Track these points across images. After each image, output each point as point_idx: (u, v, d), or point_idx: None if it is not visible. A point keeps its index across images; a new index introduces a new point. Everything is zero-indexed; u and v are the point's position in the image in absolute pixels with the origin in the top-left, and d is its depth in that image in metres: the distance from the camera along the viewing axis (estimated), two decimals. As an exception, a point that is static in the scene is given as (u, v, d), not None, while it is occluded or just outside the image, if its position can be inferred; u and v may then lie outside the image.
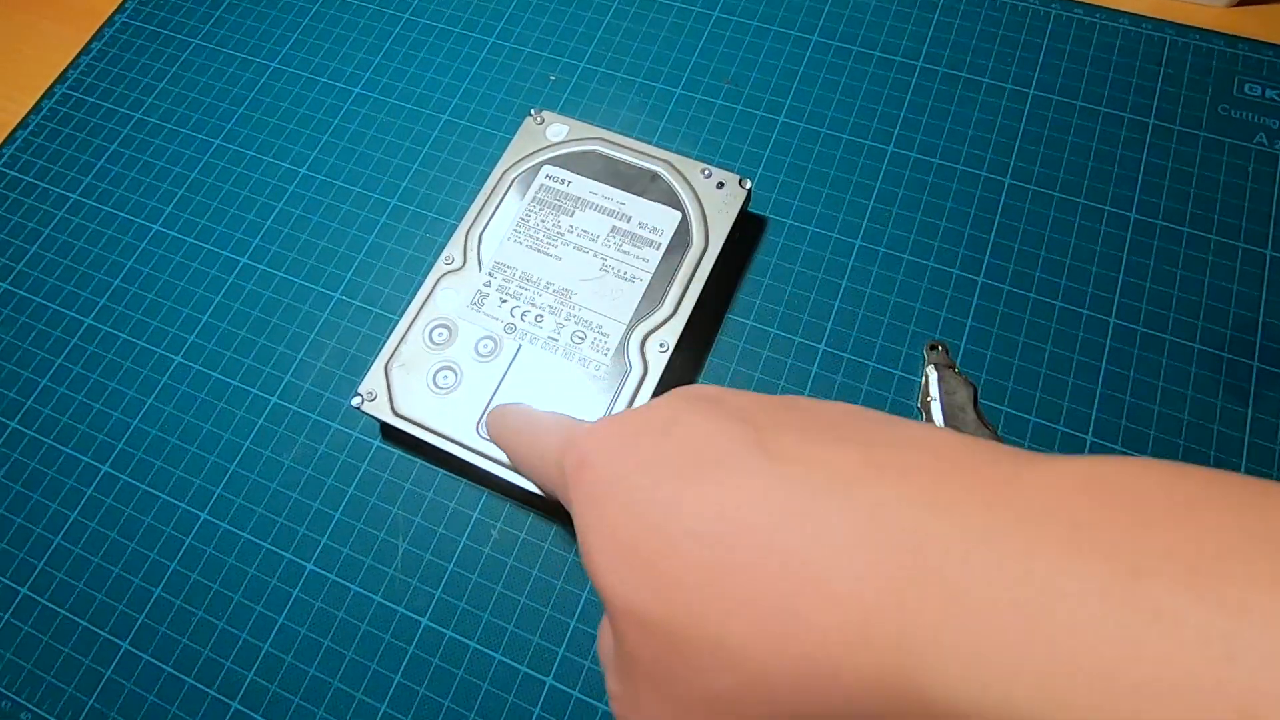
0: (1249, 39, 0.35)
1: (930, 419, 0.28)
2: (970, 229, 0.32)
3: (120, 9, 0.41)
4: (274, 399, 0.31)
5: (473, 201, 0.31)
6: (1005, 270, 0.31)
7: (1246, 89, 0.34)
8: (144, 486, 0.30)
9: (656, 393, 0.27)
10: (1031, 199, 0.32)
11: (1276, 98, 0.33)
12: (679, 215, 0.30)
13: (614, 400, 0.27)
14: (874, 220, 0.32)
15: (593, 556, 0.14)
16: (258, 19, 0.40)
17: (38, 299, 0.34)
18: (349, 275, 0.33)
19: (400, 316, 0.30)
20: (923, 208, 0.32)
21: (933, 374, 0.29)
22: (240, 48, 0.39)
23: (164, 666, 0.27)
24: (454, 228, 0.33)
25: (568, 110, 0.36)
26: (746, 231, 0.32)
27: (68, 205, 0.36)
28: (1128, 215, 0.32)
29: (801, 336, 0.30)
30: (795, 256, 0.32)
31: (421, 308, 0.29)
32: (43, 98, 0.39)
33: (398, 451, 0.30)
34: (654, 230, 0.30)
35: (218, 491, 0.30)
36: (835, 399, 0.29)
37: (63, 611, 0.28)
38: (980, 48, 0.36)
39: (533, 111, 0.32)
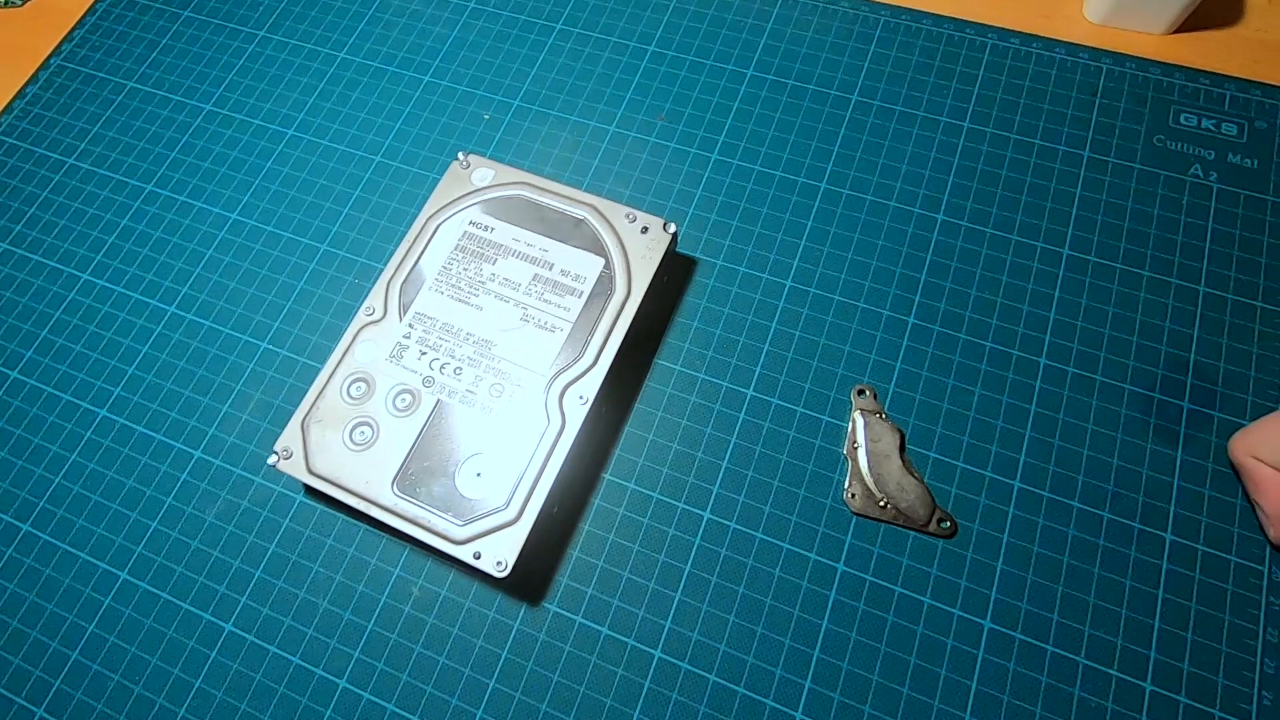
0: (1185, 67, 0.34)
1: (856, 465, 0.28)
2: (901, 268, 0.31)
3: (56, 51, 0.41)
4: (198, 453, 0.31)
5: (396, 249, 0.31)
6: (936, 310, 0.30)
7: (1182, 119, 0.33)
8: (64, 545, 0.29)
9: (575, 445, 0.27)
10: (964, 236, 0.32)
11: (1212, 128, 0.33)
12: (602, 261, 0.29)
13: (532, 455, 0.27)
14: (805, 260, 0.32)
15: None
16: (194, 60, 0.40)
17: (-36, 352, 0.33)
18: (276, 324, 0.33)
19: (321, 368, 0.30)
20: (854, 246, 0.32)
21: (859, 420, 0.28)
22: (175, 89, 0.39)
23: (79, 733, 0.27)
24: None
25: (501, 149, 0.36)
26: (675, 273, 0.32)
27: (-3, 254, 0.35)
28: (1060, 251, 0.31)
29: (730, 382, 0.30)
30: (725, 299, 0.32)
31: (340, 361, 0.29)
32: (-24, 144, 0.38)
33: (320, 506, 0.29)
34: (576, 278, 0.29)
35: (138, 550, 0.29)
36: (761, 446, 0.29)
37: (-21, 677, 0.28)
38: (916, 80, 0.35)
39: (459, 156, 0.32)
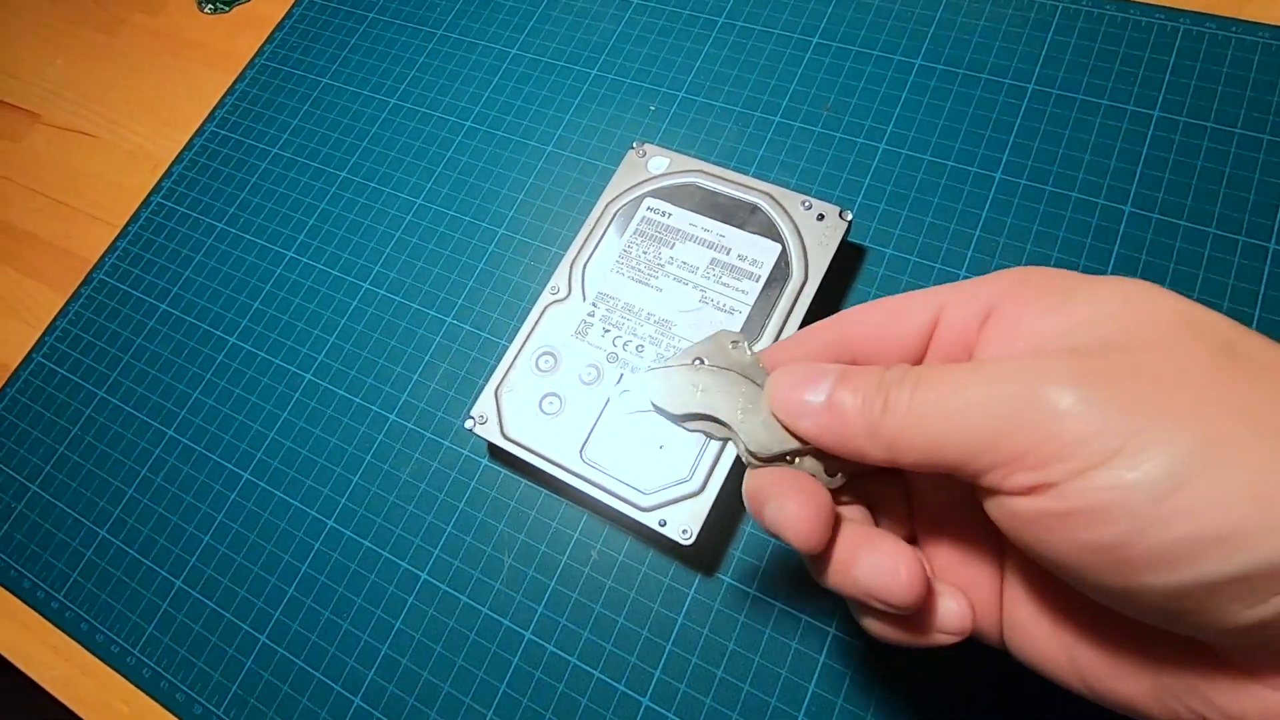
0: None
1: None
2: (1085, 260, 0.30)
3: (259, 52, 0.45)
4: (392, 417, 0.33)
5: (577, 232, 0.32)
6: (1124, 304, 0.29)
7: None
8: (279, 493, 0.33)
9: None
10: (1154, 228, 0.31)
11: None
12: (779, 248, 0.30)
13: (712, 431, 0.28)
14: (980, 250, 0.32)
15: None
16: (379, 58, 0.43)
17: (190, 319, 0.38)
18: (460, 301, 0.35)
19: (509, 343, 0.32)
20: (1033, 238, 0.31)
21: None
22: (363, 85, 0.42)
23: (295, 660, 0.30)
24: (558, 256, 0.35)
25: (667, 139, 0.37)
26: (845, 261, 0.32)
27: (215, 234, 0.40)
28: (1266, 245, 0.29)
29: (902, 369, 0.30)
30: (896, 287, 0.32)
31: (529, 336, 0.31)
32: (195, 135, 0.43)
33: (504, 471, 0.31)
34: (753, 263, 0.30)
35: (342, 501, 0.32)
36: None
37: (210, 604, 0.31)
38: (1099, 67, 0.34)
39: (634, 144, 0.33)
